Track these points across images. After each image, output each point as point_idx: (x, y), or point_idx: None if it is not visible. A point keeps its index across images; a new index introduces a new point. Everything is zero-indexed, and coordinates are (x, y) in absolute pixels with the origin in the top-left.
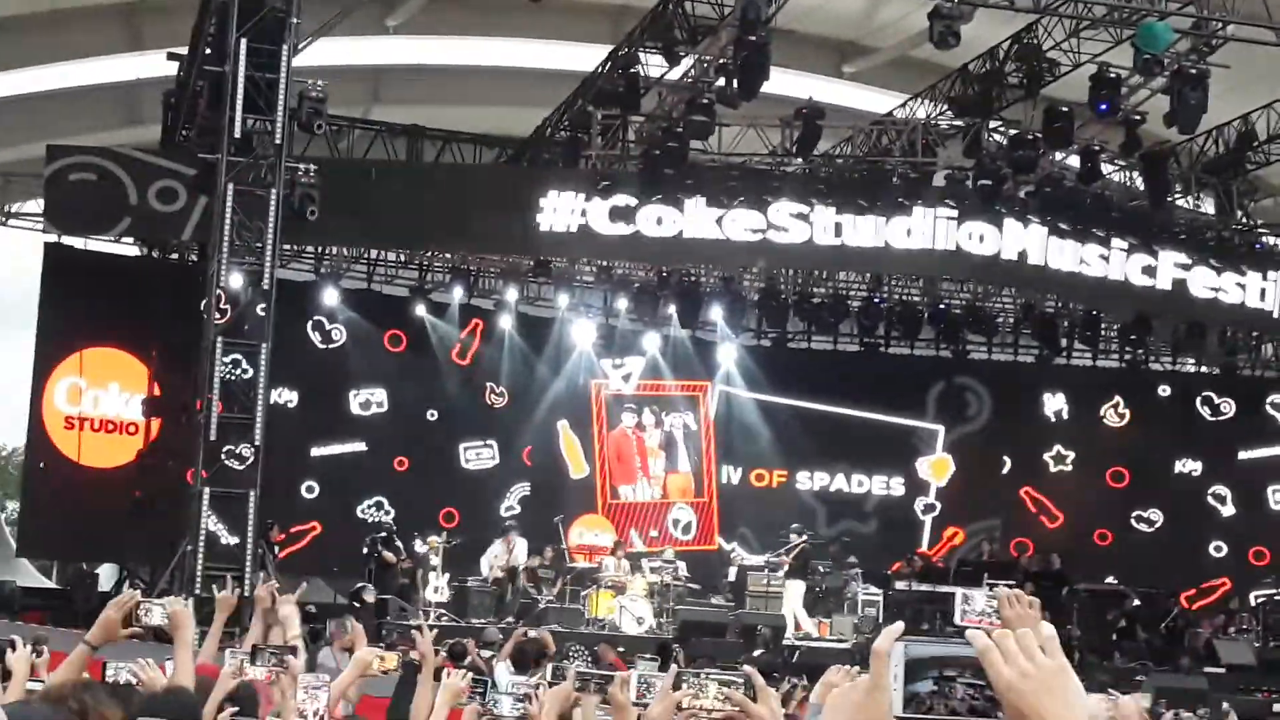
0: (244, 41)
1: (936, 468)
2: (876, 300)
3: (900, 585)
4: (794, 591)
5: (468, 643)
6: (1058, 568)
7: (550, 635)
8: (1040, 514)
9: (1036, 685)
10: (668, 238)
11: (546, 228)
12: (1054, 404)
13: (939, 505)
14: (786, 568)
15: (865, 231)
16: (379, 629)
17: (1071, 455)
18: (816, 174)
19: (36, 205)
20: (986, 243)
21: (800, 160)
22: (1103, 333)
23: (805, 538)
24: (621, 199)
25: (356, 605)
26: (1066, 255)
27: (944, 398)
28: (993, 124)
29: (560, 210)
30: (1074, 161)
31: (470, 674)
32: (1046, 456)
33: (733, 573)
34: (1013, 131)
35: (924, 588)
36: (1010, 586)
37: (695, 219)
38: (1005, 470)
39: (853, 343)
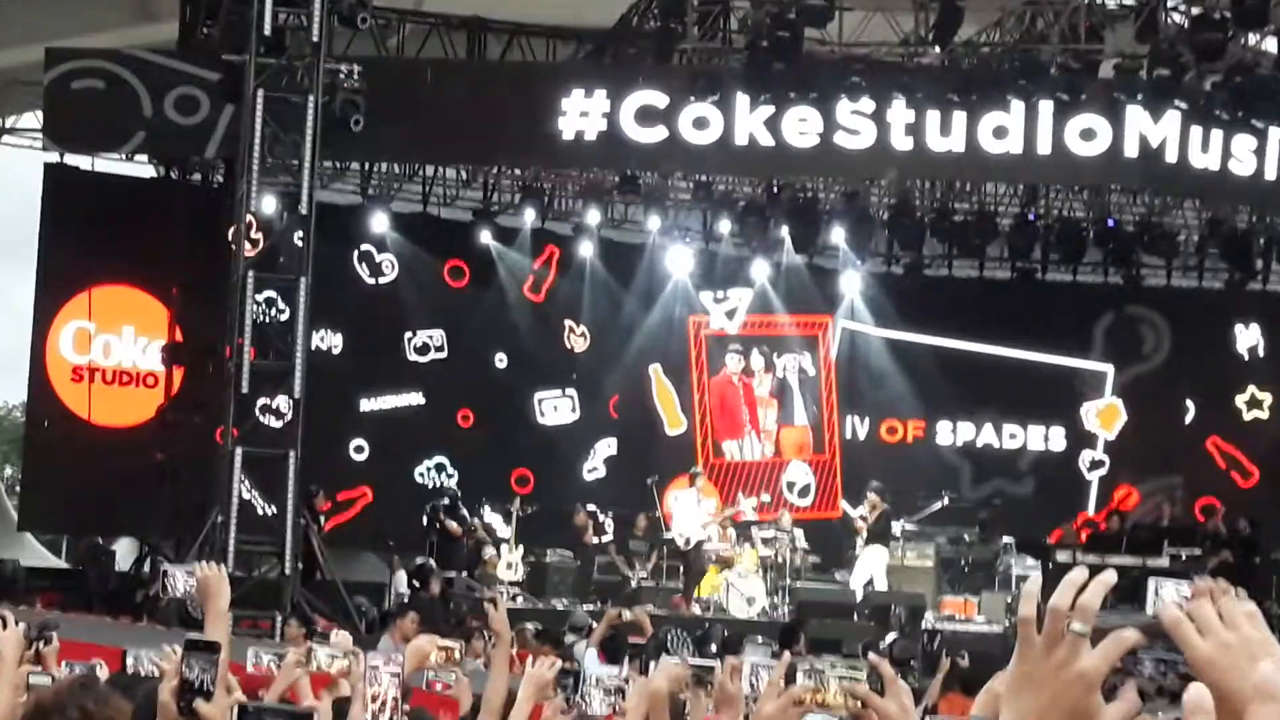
0: None
1: (1105, 416)
2: (1031, 217)
3: (1062, 556)
4: (872, 561)
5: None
6: (1250, 533)
7: (647, 617)
8: (1230, 469)
9: (1239, 659)
10: (773, 146)
11: (630, 136)
12: (1247, 338)
13: (1108, 460)
14: (865, 534)
15: (1015, 134)
16: (446, 610)
17: (1268, 399)
18: (957, 66)
19: (35, 119)
20: (1165, 145)
21: (937, 50)
22: None
23: (946, 499)
24: (721, 99)
25: (417, 586)
26: (1260, 159)
27: (1114, 332)
28: (1171, 2)
29: (647, 115)
30: (1270, 46)
31: (558, 662)
32: (1238, 401)
33: (860, 544)
34: (1196, 10)
35: (1091, 559)
36: (1196, 558)
37: (810, 122)
38: (1188, 418)
39: (1002, 268)
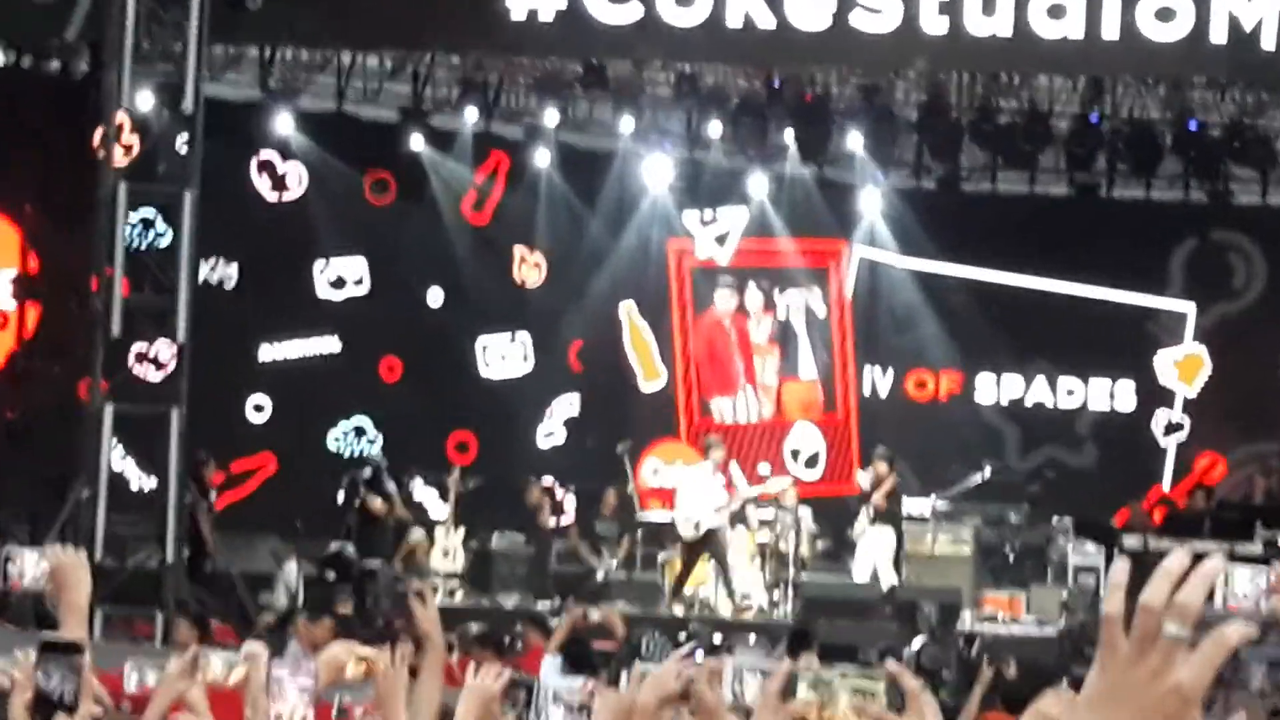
0: None
1: (1185, 367)
2: (1094, 119)
3: (1131, 541)
4: (876, 544)
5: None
6: None
7: (619, 617)
8: None
9: None
10: (775, 29)
11: (596, 15)
12: None
13: (1188, 422)
14: (872, 512)
15: (1075, 14)
16: (361, 610)
17: None
18: None
19: None
20: (1261, 29)
21: None
22: None
23: (988, 471)
24: None
25: (331, 579)
26: None
27: (1196, 263)
28: None
29: None
30: None
31: (506, 671)
32: None
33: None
34: None
35: (1166, 543)
36: None
37: None
38: None
39: (1058, 183)
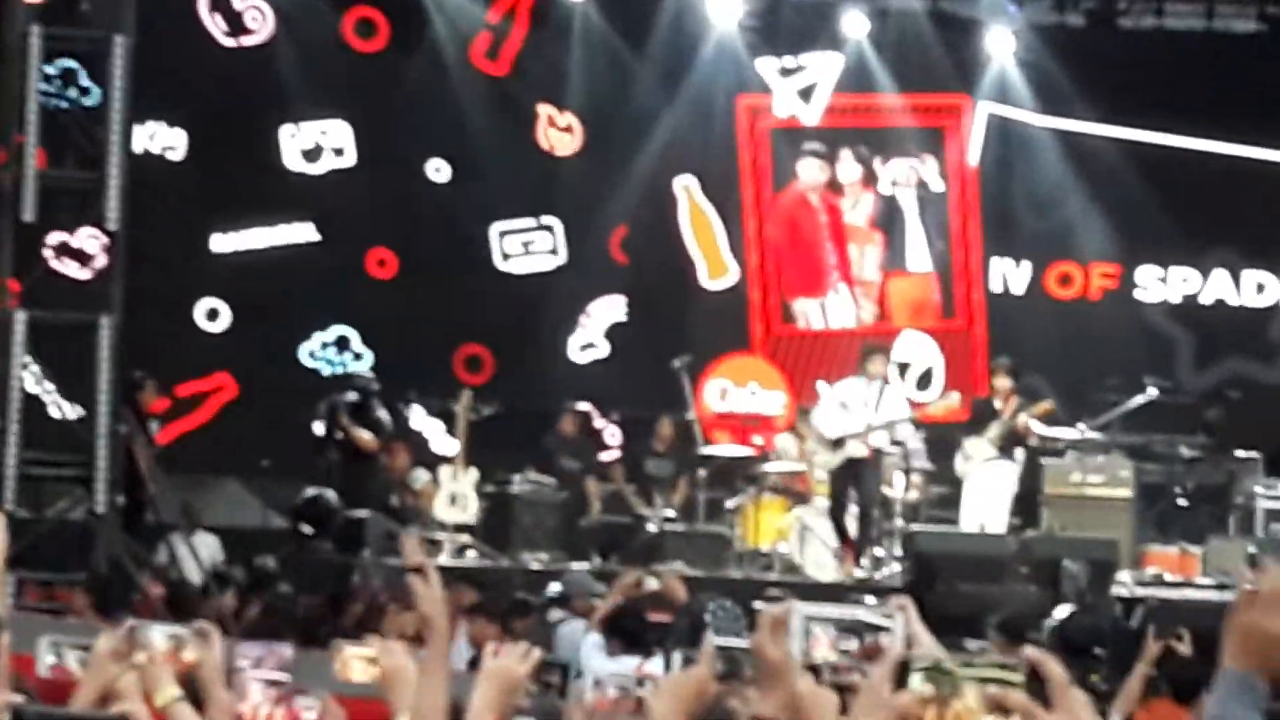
0: None
1: None
2: None
3: None
4: (992, 487)
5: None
6: None
7: (679, 582)
8: None
9: None
10: None
11: None
12: None
13: None
14: (991, 437)
15: None
16: (344, 575)
17: None
18: None
19: None
20: None
21: None
22: None
23: (1153, 391)
24: None
25: (305, 532)
26: None
27: None
28: None
29: None
30: None
31: (536, 651)
32: None
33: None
34: None
35: None
36: None
37: None
38: None
39: (1245, 15)
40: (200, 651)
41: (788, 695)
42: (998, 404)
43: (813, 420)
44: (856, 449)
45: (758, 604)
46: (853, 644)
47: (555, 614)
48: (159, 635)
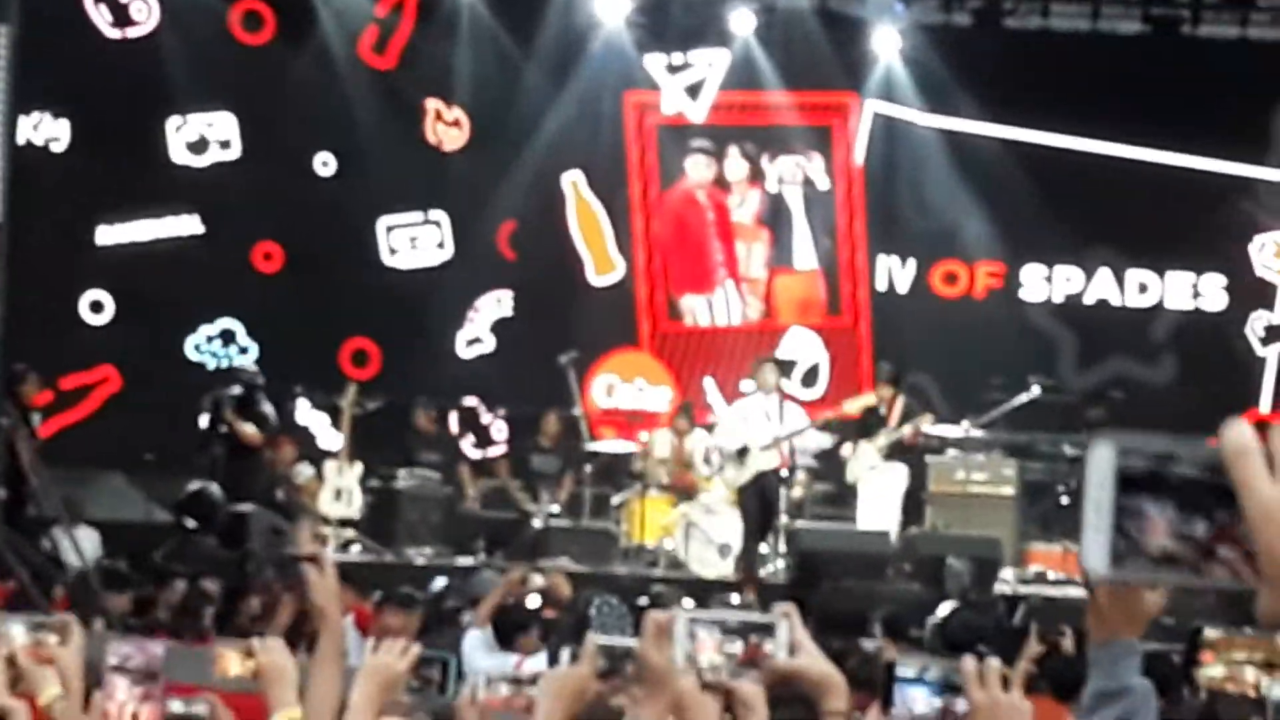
0: None
1: None
2: None
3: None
4: (884, 489)
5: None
6: None
7: (565, 579)
8: None
9: None
10: None
11: None
12: None
13: None
14: (880, 443)
15: None
16: (238, 570)
17: None
18: None
19: None
20: None
21: None
22: None
23: (1036, 390)
24: None
25: (189, 526)
26: None
27: None
28: None
29: None
30: None
31: (415, 647)
32: None
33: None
34: None
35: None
36: None
37: None
38: None
39: (1130, 17)
40: (60, 646)
41: (670, 701)
42: (883, 410)
43: (715, 439)
44: (765, 461)
45: (644, 603)
46: (738, 647)
47: (467, 616)
48: (18, 628)
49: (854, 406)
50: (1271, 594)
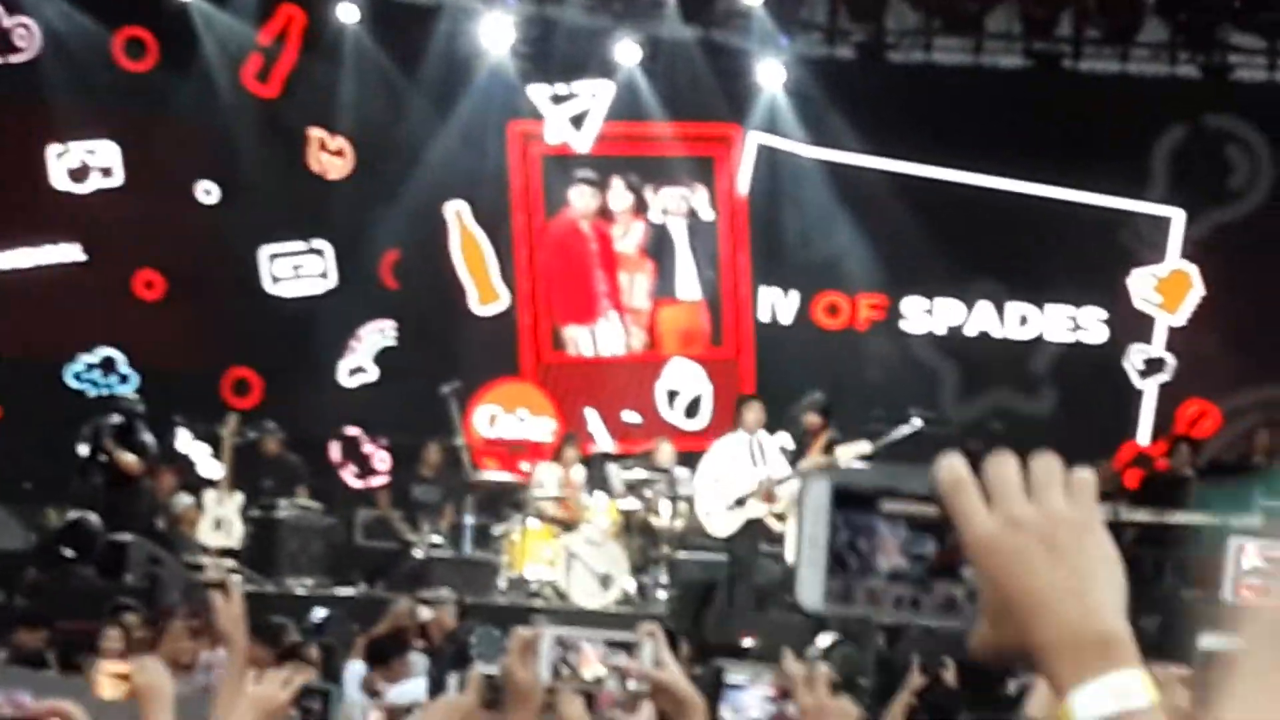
0: None
1: (1169, 289)
2: None
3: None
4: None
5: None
6: None
7: (449, 610)
8: None
9: (1030, 541)
10: None
11: None
12: None
13: (1172, 360)
14: (801, 473)
15: None
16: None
17: None
18: None
19: None
20: None
21: None
22: None
23: (917, 422)
24: None
25: (67, 556)
26: None
27: (1185, 156)
28: None
29: None
30: None
31: (300, 678)
32: None
33: (783, 496)
34: None
35: (1143, 516)
36: None
37: None
38: None
39: (1011, 51)
40: None
41: (534, 717)
42: (805, 439)
43: (696, 486)
44: (756, 509)
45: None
46: (621, 659)
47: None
48: None
49: (847, 455)
50: (988, 626)
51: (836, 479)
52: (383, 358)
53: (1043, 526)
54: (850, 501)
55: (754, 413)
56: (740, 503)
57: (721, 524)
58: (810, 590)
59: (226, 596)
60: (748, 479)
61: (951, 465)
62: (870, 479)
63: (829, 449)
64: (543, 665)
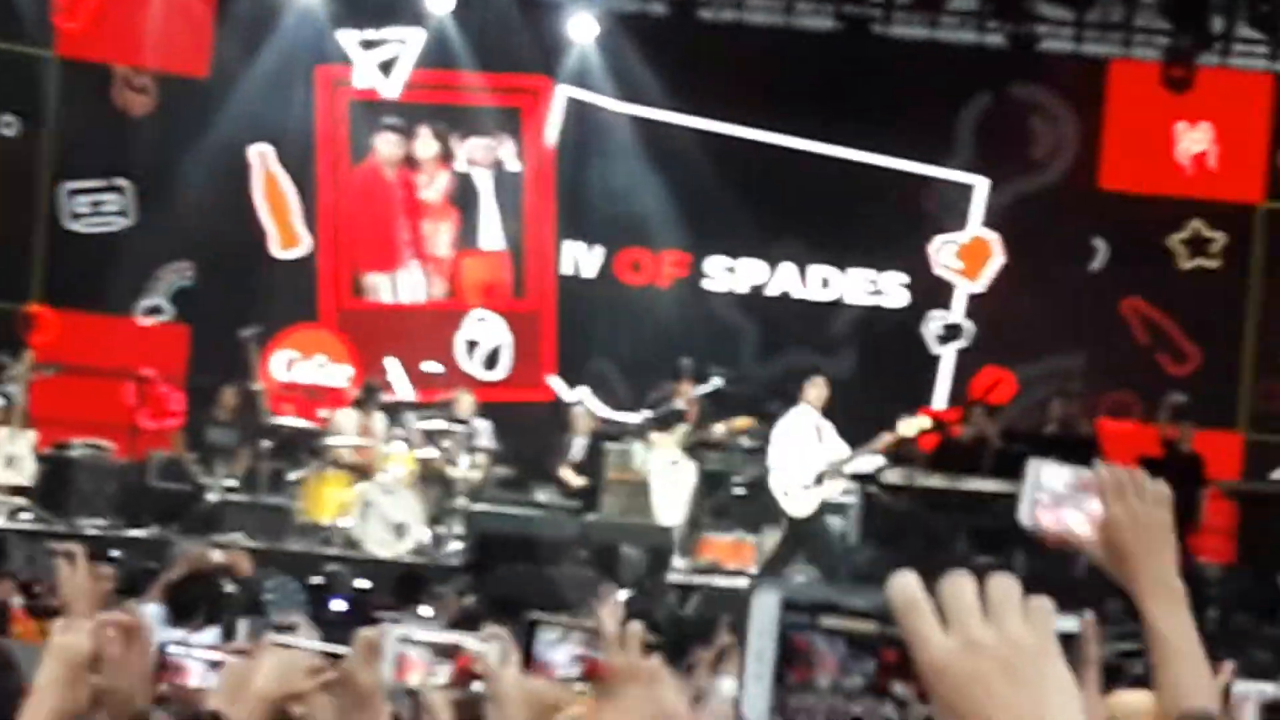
0: None
1: (969, 256)
2: None
3: (892, 477)
4: (678, 481)
5: None
6: (1189, 450)
7: (245, 555)
8: (1158, 349)
9: (989, 666)
10: None
11: None
12: (1191, 141)
13: (970, 326)
14: (679, 438)
15: None
16: None
17: (1220, 240)
18: None
19: None
20: None
21: None
22: None
23: (714, 381)
24: None
25: None
26: None
27: (989, 125)
28: None
29: None
30: None
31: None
32: (1174, 239)
33: (578, 444)
34: None
35: (936, 481)
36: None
37: None
38: (1097, 263)
39: (822, 13)
40: None
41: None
42: (680, 405)
43: (770, 465)
44: (832, 489)
45: (318, 581)
46: (446, 668)
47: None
48: None
49: (910, 429)
50: None
51: (785, 592)
52: (181, 299)
53: (1002, 651)
54: (794, 611)
55: (817, 389)
56: (819, 481)
57: (799, 503)
58: (755, 705)
59: (72, 565)
60: (818, 457)
61: (905, 584)
62: (817, 592)
63: (702, 423)
64: (386, 667)
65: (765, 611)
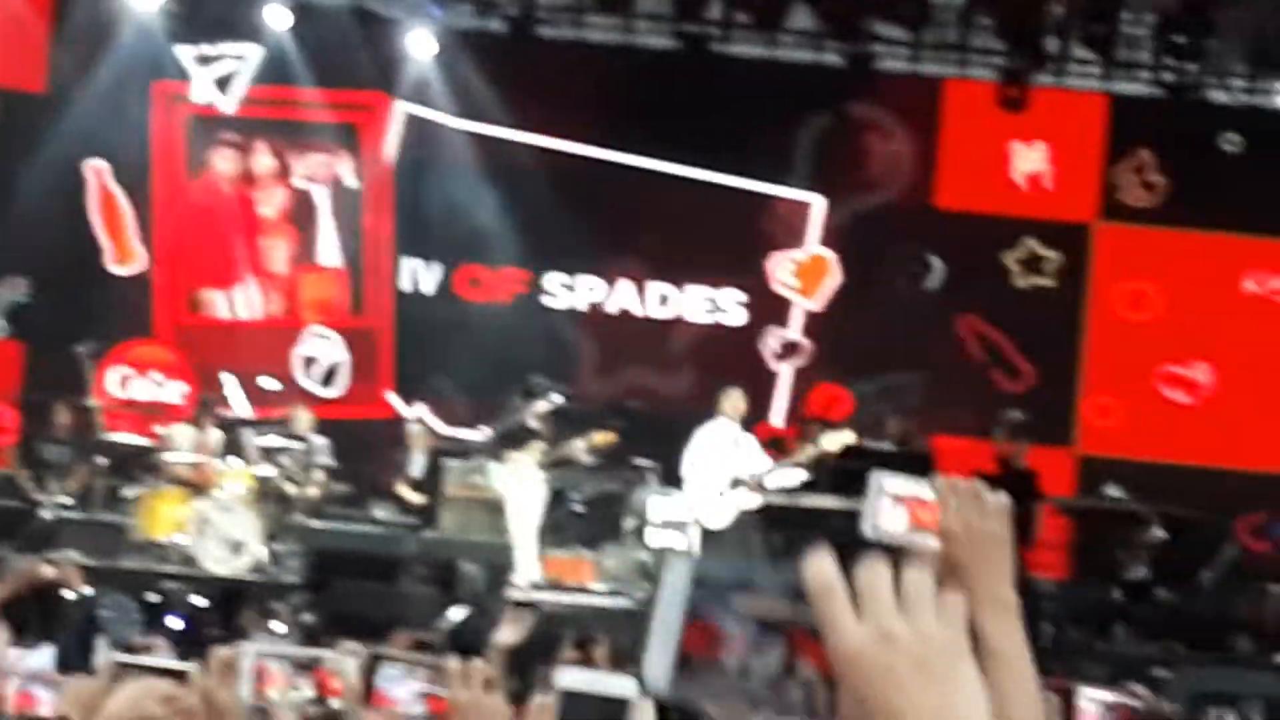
0: None
1: (806, 274)
2: None
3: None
4: (523, 499)
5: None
6: (1023, 467)
7: (77, 572)
8: (993, 366)
9: (901, 660)
10: None
11: None
12: (1026, 159)
13: (807, 344)
14: (537, 455)
15: None
16: None
17: (1055, 259)
18: None
19: None
20: None
21: None
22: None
23: (554, 398)
24: None
25: None
26: None
27: (827, 144)
28: None
29: None
30: None
31: None
32: (1008, 259)
33: (416, 461)
34: None
35: (773, 499)
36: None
37: None
38: (933, 281)
39: (662, 32)
40: None
41: None
42: (532, 423)
43: (684, 476)
44: (749, 499)
45: (153, 600)
46: (308, 682)
47: None
48: None
49: (833, 444)
50: None
51: (699, 567)
52: (15, 314)
53: (915, 646)
54: (706, 588)
55: (733, 401)
56: (734, 486)
57: (714, 513)
58: (656, 671)
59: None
60: (735, 468)
61: (821, 568)
62: (730, 570)
63: (555, 440)
64: (244, 683)
65: (677, 579)
